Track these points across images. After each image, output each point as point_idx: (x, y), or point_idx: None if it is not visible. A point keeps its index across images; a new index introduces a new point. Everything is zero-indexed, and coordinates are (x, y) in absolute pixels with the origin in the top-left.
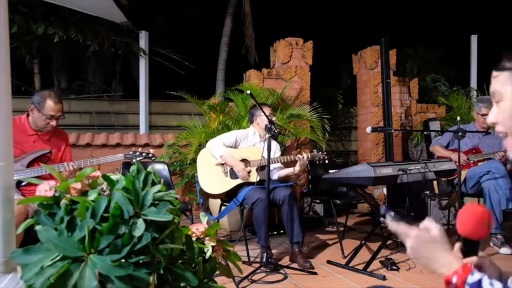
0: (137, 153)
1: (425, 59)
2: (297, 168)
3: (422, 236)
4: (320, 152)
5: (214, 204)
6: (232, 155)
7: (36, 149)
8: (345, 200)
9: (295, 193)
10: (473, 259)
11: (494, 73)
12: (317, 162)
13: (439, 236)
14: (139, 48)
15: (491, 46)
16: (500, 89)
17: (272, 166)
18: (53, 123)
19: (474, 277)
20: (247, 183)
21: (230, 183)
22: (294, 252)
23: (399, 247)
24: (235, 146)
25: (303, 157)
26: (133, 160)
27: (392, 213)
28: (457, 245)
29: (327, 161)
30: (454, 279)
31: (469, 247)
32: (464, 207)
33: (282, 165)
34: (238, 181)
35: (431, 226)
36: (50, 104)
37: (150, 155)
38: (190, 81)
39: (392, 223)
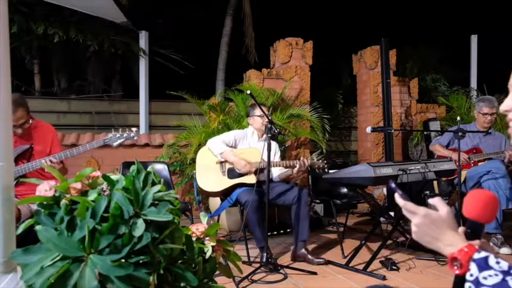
0: (117, 135)
1: (425, 59)
2: (295, 170)
3: (431, 215)
4: (320, 161)
5: (214, 203)
6: (233, 152)
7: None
8: (345, 200)
9: (307, 193)
10: (475, 243)
11: None
12: (316, 170)
13: (447, 215)
14: (140, 48)
15: (491, 46)
16: None
17: (273, 170)
18: (18, 130)
19: (481, 254)
20: (244, 184)
21: (227, 183)
22: (300, 251)
23: (399, 247)
24: (234, 146)
25: (303, 163)
26: (114, 144)
27: (400, 191)
28: (461, 229)
29: (326, 170)
30: (459, 257)
31: (474, 230)
32: (472, 191)
33: (282, 168)
34: (235, 181)
35: (439, 205)
36: None
37: (132, 135)
38: (190, 81)
39: (400, 199)
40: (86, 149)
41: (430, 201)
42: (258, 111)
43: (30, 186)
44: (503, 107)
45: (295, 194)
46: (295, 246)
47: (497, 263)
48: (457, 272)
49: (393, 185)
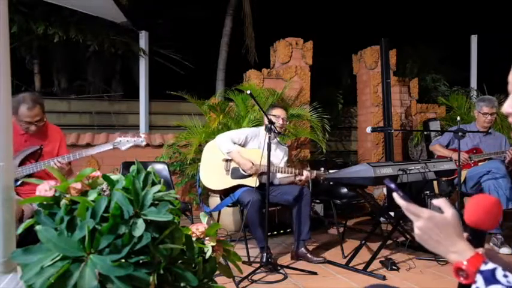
0: (126, 139)
1: (425, 59)
2: (299, 178)
3: (435, 218)
4: (327, 173)
5: (214, 202)
6: (240, 152)
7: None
8: (345, 200)
9: (310, 194)
10: (480, 250)
11: None
12: (321, 181)
13: (452, 218)
14: (140, 48)
15: (491, 46)
16: None
17: (278, 175)
18: (32, 127)
19: (488, 266)
20: (246, 186)
21: (229, 182)
22: (300, 250)
23: (399, 247)
24: (244, 144)
25: (310, 175)
26: (123, 148)
27: (401, 192)
28: (464, 235)
29: (331, 183)
30: (465, 267)
31: (477, 238)
32: (474, 196)
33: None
34: (237, 181)
35: (445, 207)
36: (23, 111)
37: (140, 140)
38: (190, 81)
39: (401, 200)
40: (95, 151)
41: (435, 202)
42: (275, 111)
43: (36, 186)
44: (506, 109)
45: (297, 193)
46: (295, 245)
47: (505, 276)
48: (462, 282)
49: (393, 185)
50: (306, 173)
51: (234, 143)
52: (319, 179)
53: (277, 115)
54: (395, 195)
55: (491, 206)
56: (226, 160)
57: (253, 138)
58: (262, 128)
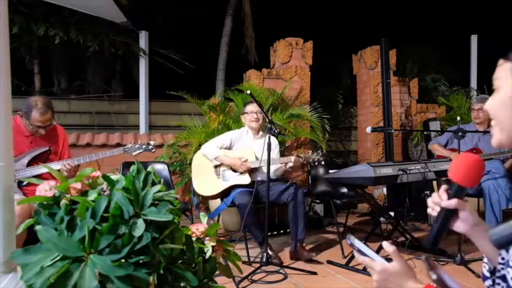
0: (137, 145)
1: (425, 59)
2: (288, 165)
3: (387, 269)
4: (315, 154)
5: (214, 204)
6: (227, 154)
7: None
8: (345, 200)
9: (303, 193)
10: (453, 201)
11: (500, 61)
12: (311, 164)
13: (402, 266)
14: (140, 48)
15: (491, 46)
16: (500, 77)
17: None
18: (42, 131)
19: None
20: (239, 186)
21: (222, 185)
22: (297, 248)
23: (399, 247)
24: (229, 147)
25: (297, 160)
26: (133, 153)
27: (357, 245)
28: (444, 187)
29: (322, 163)
30: None
31: (455, 192)
32: (460, 154)
33: (277, 164)
34: (230, 183)
35: (394, 257)
36: (35, 116)
37: (150, 147)
38: (190, 81)
39: (358, 255)
40: (106, 155)
41: (386, 248)
42: (246, 108)
43: None
44: (486, 106)
45: (290, 193)
46: (292, 246)
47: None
48: None
49: (349, 242)
50: (293, 158)
51: (220, 148)
52: (309, 161)
53: (249, 111)
54: (354, 252)
55: (472, 164)
56: (216, 166)
57: (237, 140)
58: (244, 129)
